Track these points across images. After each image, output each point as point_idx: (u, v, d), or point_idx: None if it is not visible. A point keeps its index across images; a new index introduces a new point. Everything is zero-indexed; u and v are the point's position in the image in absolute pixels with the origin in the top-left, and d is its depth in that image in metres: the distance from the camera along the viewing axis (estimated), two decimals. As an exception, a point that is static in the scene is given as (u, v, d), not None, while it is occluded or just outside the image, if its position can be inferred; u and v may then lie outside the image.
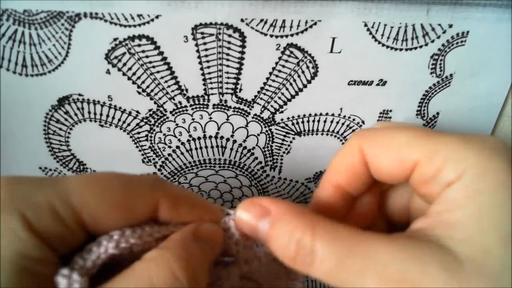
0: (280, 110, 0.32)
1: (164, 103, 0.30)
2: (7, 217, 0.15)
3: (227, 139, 0.33)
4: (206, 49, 0.28)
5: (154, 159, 0.33)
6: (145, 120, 0.31)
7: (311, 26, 0.28)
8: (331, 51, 0.29)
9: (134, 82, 0.29)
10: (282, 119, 0.32)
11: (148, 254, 0.17)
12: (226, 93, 0.30)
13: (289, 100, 0.31)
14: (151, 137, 0.32)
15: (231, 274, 0.22)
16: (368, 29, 0.28)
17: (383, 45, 0.29)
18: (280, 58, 0.29)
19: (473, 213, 0.16)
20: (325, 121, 0.32)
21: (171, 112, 0.31)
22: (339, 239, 0.17)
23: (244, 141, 0.33)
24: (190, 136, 0.32)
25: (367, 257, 0.16)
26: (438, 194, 0.18)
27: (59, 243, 0.16)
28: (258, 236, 0.19)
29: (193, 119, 0.31)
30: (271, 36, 0.28)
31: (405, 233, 0.18)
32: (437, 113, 0.33)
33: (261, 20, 0.27)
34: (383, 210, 0.25)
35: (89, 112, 0.31)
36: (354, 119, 0.32)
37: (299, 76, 0.30)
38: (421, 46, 0.29)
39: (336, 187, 0.22)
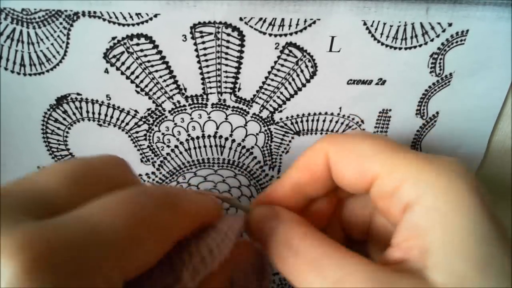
0: (279, 109, 0.31)
1: (162, 102, 0.30)
2: None
3: (226, 139, 0.33)
4: (204, 48, 0.28)
5: (152, 158, 0.33)
6: (143, 120, 0.31)
7: (310, 25, 0.28)
8: (330, 50, 0.29)
9: (132, 81, 0.29)
10: (281, 118, 0.32)
11: None
12: (225, 92, 0.30)
13: (288, 99, 0.31)
14: (149, 136, 0.32)
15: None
16: (367, 28, 0.28)
17: (382, 44, 0.29)
18: (279, 57, 0.29)
19: (442, 238, 0.16)
20: (324, 121, 0.32)
21: (169, 112, 0.31)
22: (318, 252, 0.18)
23: (243, 140, 0.33)
24: (188, 135, 0.32)
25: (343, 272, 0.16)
26: (400, 215, 0.17)
27: None
28: (262, 234, 0.20)
29: (191, 118, 0.31)
30: (270, 35, 0.28)
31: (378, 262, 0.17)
32: (437, 113, 0.32)
33: (260, 19, 0.27)
34: (341, 220, 0.25)
35: (87, 112, 0.30)
36: (353, 119, 0.32)
37: (298, 75, 0.30)
38: (420, 45, 0.29)
39: (296, 184, 0.22)
